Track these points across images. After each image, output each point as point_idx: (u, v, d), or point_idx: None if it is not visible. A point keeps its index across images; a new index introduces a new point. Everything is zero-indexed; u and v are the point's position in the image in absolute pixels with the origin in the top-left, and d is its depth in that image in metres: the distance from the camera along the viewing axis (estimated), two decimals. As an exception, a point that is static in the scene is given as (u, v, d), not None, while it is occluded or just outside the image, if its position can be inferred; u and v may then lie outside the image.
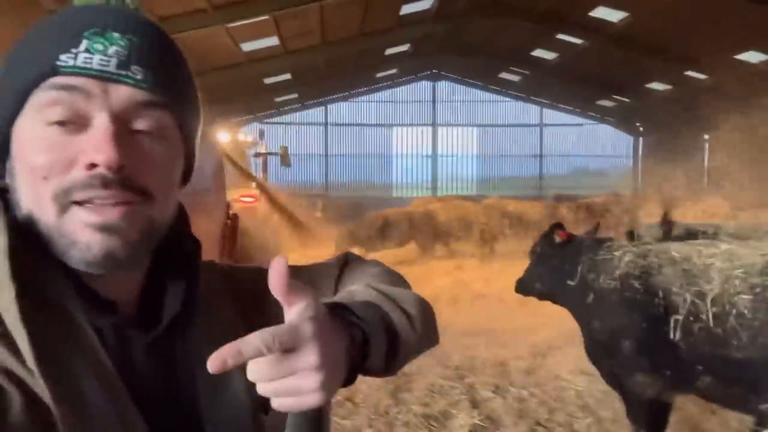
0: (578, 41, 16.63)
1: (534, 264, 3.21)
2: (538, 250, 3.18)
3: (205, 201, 4.71)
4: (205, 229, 4.74)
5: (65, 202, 0.55)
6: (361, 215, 20.01)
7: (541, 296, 3.24)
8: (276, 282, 0.51)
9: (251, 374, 0.50)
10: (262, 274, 0.76)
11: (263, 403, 0.63)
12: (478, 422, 3.53)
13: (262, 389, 0.51)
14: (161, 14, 10.72)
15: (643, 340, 2.59)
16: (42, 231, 0.56)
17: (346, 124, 24.99)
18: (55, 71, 0.55)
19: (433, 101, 25.73)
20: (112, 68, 0.55)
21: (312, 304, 0.53)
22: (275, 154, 9.41)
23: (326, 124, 24.70)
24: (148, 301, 0.63)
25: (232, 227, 5.82)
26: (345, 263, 0.83)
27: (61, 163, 0.55)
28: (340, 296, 0.67)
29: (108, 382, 0.52)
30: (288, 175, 20.63)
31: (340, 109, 24.82)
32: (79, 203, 0.55)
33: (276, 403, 0.52)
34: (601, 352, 2.82)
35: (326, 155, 24.68)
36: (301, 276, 0.76)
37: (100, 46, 0.55)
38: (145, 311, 0.62)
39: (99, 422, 0.50)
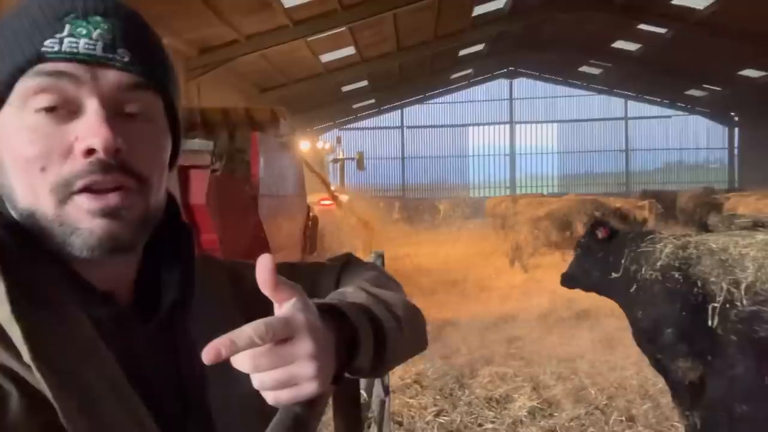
0: (662, 30, 16.01)
1: (579, 258, 3.42)
2: (582, 245, 3.39)
3: (288, 205, 5.26)
4: (289, 230, 5.30)
5: (66, 193, 0.54)
6: (436, 216, 20.37)
7: (587, 288, 3.45)
8: (264, 278, 0.51)
9: (247, 366, 0.50)
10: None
11: None
12: (537, 405, 3.78)
13: (259, 381, 0.51)
14: (247, 33, 11.63)
15: (684, 328, 2.76)
16: (41, 224, 0.55)
17: (422, 127, 25.38)
18: (41, 58, 0.54)
19: (510, 99, 25.53)
20: (98, 52, 0.55)
21: (302, 298, 0.54)
22: (351, 159, 9.95)
23: (402, 127, 25.23)
24: (143, 290, 0.63)
25: (312, 227, 6.38)
26: (345, 264, 0.86)
27: (56, 152, 0.54)
28: (331, 297, 0.67)
29: (108, 374, 0.51)
30: (366, 178, 21.35)
31: (416, 112, 25.25)
32: (78, 192, 0.54)
33: (272, 397, 0.52)
34: (645, 339, 3.00)
35: (402, 158, 25.21)
36: (301, 275, 0.79)
37: (83, 30, 0.55)
38: (142, 300, 0.62)
39: (101, 414, 0.49)
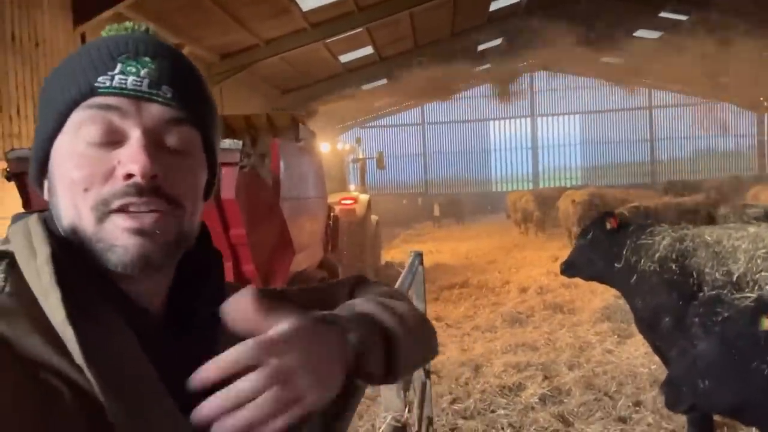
0: (683, 17, 15.84)
1: (583, 247, 3.55)
2: (588, 235, 3.53)
3: (309, 206, 5.50)
4: (311, 229, 5.54)
5: (104, 210, 0.59)
6: (461, 211, 20.51)
7: (588, 277, 3.60)
8: (243, 317, 0.56)
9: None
10: (280, 295, 0.85)
11: None
12: (547, 392, 3.95)
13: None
14: (267, 37, 11.93)
15: (680, 317, 2.91)
16: (82, 240, 0.60)
17: (442, 123, 25.48)
18: (93, 92, 0.60)
19: (531, 92, 25.43)
20: (144, 88, 0.61)
21: (293, 320, 0.57)
22: (371, 158, 10.17)
23: (423, 123, 25.37)
24: (175, 308, 0.67)
25: (333, 227, 6.62)
26: (356, 284, 0.89)
27: (100, 175, 0.59)
28: (340, 308, 0.71)
29: (149, 380, 0.55)
30: (388, 176, 21.58)
31: (437, 109, 25.35)
32: (116, 211, 0.59)
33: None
34: (645, 327, 3.16)
35: (424, 154, 25.37)
36: (313, 296, 0.85)
37: (133, 69, 0.61)
38: (173, 317, 0.66)
39: (145, 416, 0.53)
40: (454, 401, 3.94)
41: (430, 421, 2.80)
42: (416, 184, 24.92)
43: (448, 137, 25.51)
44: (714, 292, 2.45)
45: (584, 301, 6.79)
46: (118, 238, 0.59)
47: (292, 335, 0.55)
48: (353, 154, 9.64)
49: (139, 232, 0.59)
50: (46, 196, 0.65)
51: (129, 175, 0.58)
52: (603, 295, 6.48)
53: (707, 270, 2.82)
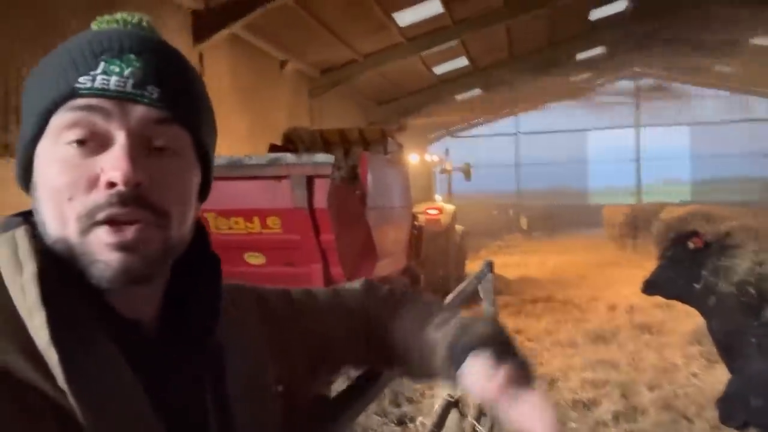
0: (808, 22, 14.51)
1: (665, 267, 3.52)
2: (670, 254, 3.50)
3: (394, 215, 5.81)
4: (395, 237, 5.84)
5: (88, 224, 0.56)
6: (553, 224, 20.00)
7: (669, 296, 3.56)
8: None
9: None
10: (287, 296, 0.85)
11: (293, 424, 0.71)
12: (622, 410, 3.93)
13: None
14: (365, 52, 12.48)
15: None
16: (67, 250, 0.57)
17: (537, 132, 24.97)
18: (74, 93, 0.57)
19: (636, 101, 24.28)
20: (128, 88, 0.57)
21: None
22: (458, 170, 10.33)
23: (517, 133, 25.04)
24: (169, 319, 0.65)
25: (417, 236, 6.88)
26: (368, 290, 0.93)
27: (83, 182, 0.56)
28: (478, 329, 0.79)
29: (135, 404, 0.54)
30: (479, 185, 21.47)
31: (531, 118, 24.90)
32: (100, 223, 0.56)
33: None
34: (722, 349, 3.12)
35: (517, 164, 25.02)
36: (333, 298, 0.90)
37: (116, 68, 0.57)
38: (168, 329, 0.64)
39: None
40: (524, 410, 4.03)
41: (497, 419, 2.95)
42: (508, 194, 24.58)
43: (543, 147, 24.92)
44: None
45: (676, 322, 6.52)
46: (101, 253, 0.56)
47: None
48: (441, 164, 9.86)
49: (121, 246, 0.56)
50: (31, 202, 0.62)
51: (112, 184, 0.56)
52: (697, 318, 6.18)
53: (786, 295, 2.77)
